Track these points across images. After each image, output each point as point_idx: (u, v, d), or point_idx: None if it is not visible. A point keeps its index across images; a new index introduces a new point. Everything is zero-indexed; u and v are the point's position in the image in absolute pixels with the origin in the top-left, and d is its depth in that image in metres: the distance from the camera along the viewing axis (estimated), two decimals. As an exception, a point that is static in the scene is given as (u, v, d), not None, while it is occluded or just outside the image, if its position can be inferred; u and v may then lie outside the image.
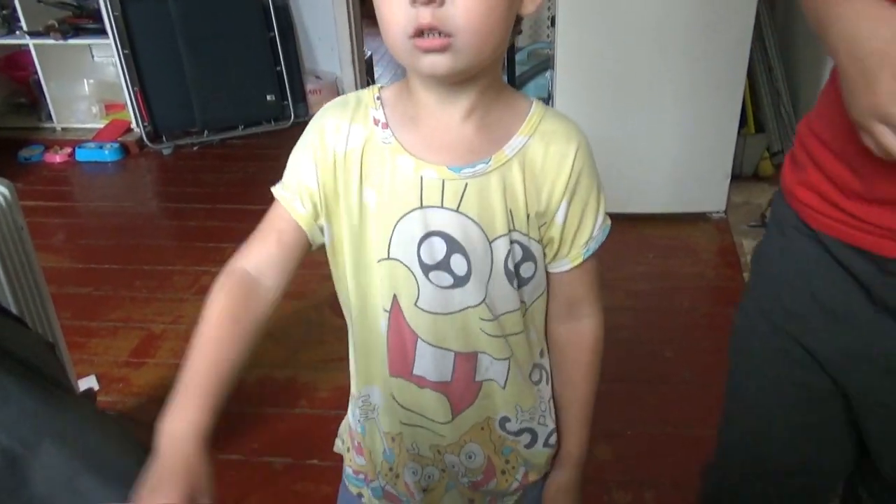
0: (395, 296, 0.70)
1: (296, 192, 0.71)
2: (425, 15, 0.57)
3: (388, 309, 0.71)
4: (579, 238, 0.72)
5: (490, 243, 0.68)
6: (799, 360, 0.79)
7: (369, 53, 4.11)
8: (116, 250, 2.50)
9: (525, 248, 0.71)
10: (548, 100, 2.83)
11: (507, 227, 0.68)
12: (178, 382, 0.63)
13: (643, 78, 2.29)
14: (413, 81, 0.67)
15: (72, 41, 3.32)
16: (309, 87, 3.63)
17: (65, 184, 3.12)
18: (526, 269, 0.72)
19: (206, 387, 0.64)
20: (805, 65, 2.85)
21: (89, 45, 3.53)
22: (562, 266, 0.74)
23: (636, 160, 2.41)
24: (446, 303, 0.69)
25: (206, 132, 3.42)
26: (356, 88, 3.82)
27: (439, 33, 0.58)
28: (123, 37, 3.19)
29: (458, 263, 0.68)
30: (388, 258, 0.69)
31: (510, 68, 2.63)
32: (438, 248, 0.68)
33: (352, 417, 0.82)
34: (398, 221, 0.67)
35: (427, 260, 0.68)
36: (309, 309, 2.05)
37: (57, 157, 3.26)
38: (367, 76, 3.96)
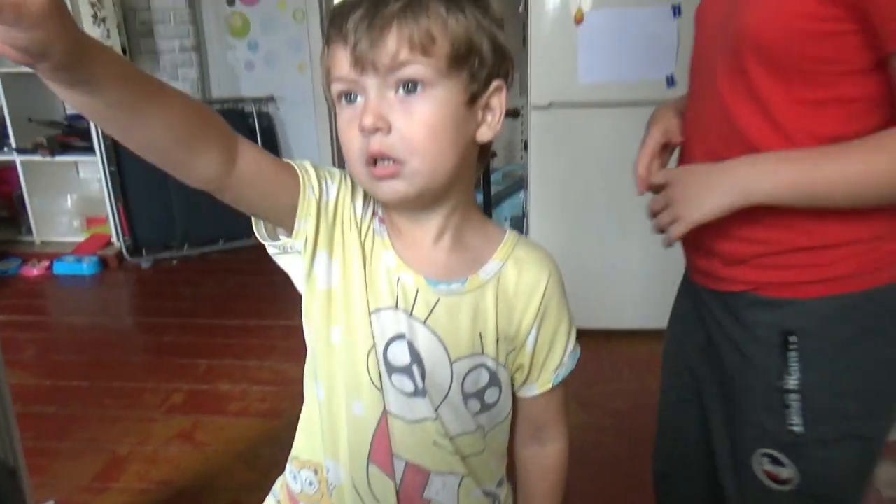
0: (394, 382, 0.69)
1: (316, 176, 0.66)
2: (375, 143, 0.61)
3: (383, 397, 0.68)
4: (549, 364, 0.73)
5: (451, 363, 0.68)
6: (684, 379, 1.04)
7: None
8: (87, 367, 2.44)
9: (492, 374, 0.71)
10: (522, 218, 2.92)
11: (473, 350, 0.69)
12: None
13: (612, 198, 2.38)
14: (387, 209, 0.70)
15: (59, 158, 3.41)
16: (291, 202, 3.72)
17: (39, 297, 3.09)
18: (490, 395, 0.72)
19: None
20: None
21: (76, 162, 3.62)
22: (530, 391, 0.74)
23: (609, 276, 2.46)
24: (409, 410, 0.68)
25: (186, 246, 3.45)
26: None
27: (390, 160, 0.61)
28: (111, 154, 3.28)
29: (418, 375, 0.68)
30: (388, 340, 0.68)
31: (486, 188, 2.73)
32: (403, 353, 0.67)
33: (293, 481, 0.77)
34: (372, 312, 0.67)
35: (392, 361, 0.68)
36: (280, 429, 2.00)
37: (34, 271, 3.25)
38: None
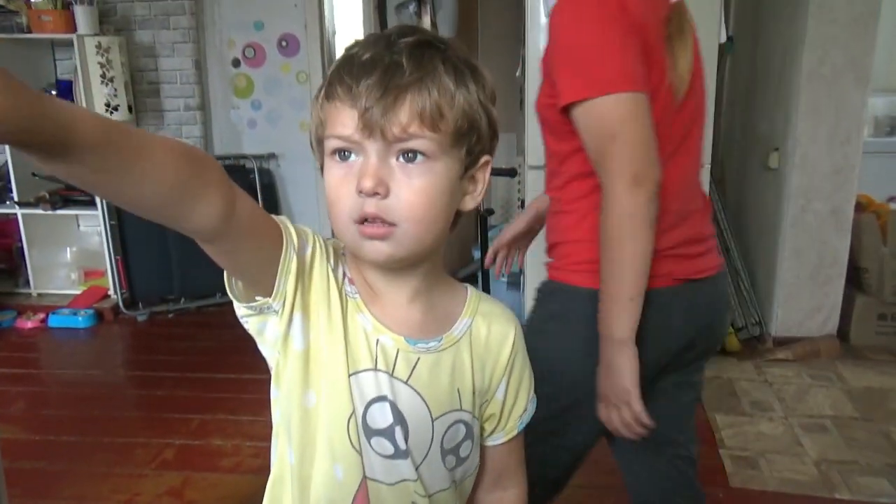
0: (373, 446, 0.68)
1: (295, 234, 0.64)
2: (371, 205, 0.61)
3: (362, 461, 0.67)
4: (515, 412, 0.77)
5: (433, 421, 0.69)
6: None
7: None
8: (77, 421, 2.41)
9: (468, 428, 0.72)
10: (519, 274, 2.95)
11: (452, 406, 0.70)
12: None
13: (609, 256, 2.41)
14: (362, 262, 0.68)
15: (60, 212, 3.44)
16: (289, 257, 3.74)
17: (32, 350, 3.06)
18: (465, 448, 0.73)
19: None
20: (759, 247, 3.04)
21: (77, 216, 3.65)
22: (497, 439, 0.77)
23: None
24: (388, 472, 0.68)
25: (182, 299, 3.45)
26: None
27: (382, 222, 0.62)
28: (112, 208, 3.32)
29: (400, 436, 0.67)
30: (368, 402, 0.67)
31: (483, 244, 2.76)
32: (384, 415, 0.67)
33: None
34: (351, 375, 0.66)
35: (371, 424, 0.67)
36: (275, 486, 1.96)
37: (28, 323, 3.23)
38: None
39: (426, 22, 2.86)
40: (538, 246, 2.43)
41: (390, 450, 0.68)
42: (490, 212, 2.78)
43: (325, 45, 3.74)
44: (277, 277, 0.62)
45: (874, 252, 2.84)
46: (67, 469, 2.09)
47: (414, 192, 0.62)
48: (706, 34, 2.21)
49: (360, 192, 0.61)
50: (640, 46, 0.98)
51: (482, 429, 0.76)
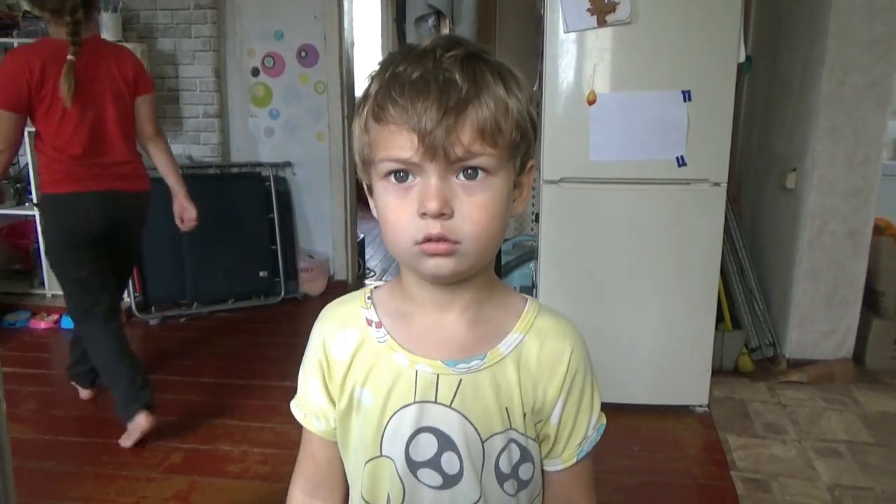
0: (388, 496, 0.69)
1: (311, 411, 0.74)
2: (435, 226, 0.60)
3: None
4: (573, 439, 0.71)
5: (483, 442, 0.67)
6: None
7: (361, 236, 4.30)
8: (87, 422, 2.42)
9: (523, 449, 0.69)
10: (532, 288, 2.93)
11: (504, 426, 0.68)
12: None
13: (622, 273, 2.40)
14: (408, 281, 0.69)
15: (78, 214, 3.47)
16: (302, 265, 3.76)
17: (45, 351, 3.08)
18: (524, 471, 0.70)
19: None
20: (775, 267, 3.02)
21: (94, 218, 3.68)
22: (554, 465, 0.73)
23: (618, 351, 2.45)
24: (442, 501, 0.68)
25: (195, 304, 3.47)
26: (347, 269, 3.96)
27: (447, 241, 0.61)
28: (129, 212, 3.35)
29: (450, 461, 0.67)
30: (381, 456, 0.69)
31: (497, 258, 2.76)
32: (429, 444, 0.67)
33: None
34: (391, 418, 0.67)
35: (416, 457, 0.67)
36: (280, 493, 1.95)
37: (42, 324, 3.26)
38: (358, 258, 4.11)
39: (445, 35, 2.89)
40: (554, 262, 2.43)
41: (438, 480, 0.67)
42: (503, 225, 2.78)
43: (344, 56, 3.77)
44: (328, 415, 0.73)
45: (891, 275, 2.80)
46: (75, 470, 2.10)
47: (478, 208, 0.61)
48: (724, 53, 2.21)
49: (424, 214, 0.60)
50: (30, 87, 2.05)
51: (541, 451, 0.73)
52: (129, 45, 3.34)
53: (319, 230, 3.89)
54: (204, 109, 3.76)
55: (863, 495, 1.98)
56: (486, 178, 0.61)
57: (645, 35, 2.23)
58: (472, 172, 0.61)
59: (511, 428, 0.68)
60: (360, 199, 3.93)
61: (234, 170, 3.76)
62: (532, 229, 3.54)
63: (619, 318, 2.44)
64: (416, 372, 0.67)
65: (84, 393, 2.57)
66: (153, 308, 3.42)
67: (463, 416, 0.66)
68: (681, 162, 2.28)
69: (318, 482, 0.75)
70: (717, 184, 2.30)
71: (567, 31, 2.26)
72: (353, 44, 3.96)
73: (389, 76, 0.61)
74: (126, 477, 2.06)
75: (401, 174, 0.62)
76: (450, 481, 0.67)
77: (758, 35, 3.31)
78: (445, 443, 0.66)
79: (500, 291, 0.72)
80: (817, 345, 2.83)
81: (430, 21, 2.89)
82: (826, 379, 2.72)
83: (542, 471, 0.73)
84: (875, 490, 2.00)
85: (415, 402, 0.67)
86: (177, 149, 3.78)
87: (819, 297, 2.79)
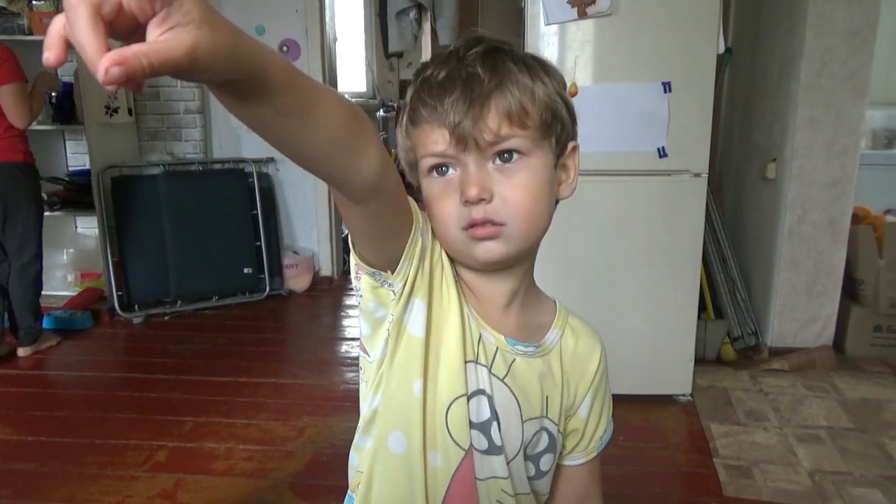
0: (472, 438, 0.67)
1: (420, 214, 0.65)
2: (478, 211, 0.63)
3: (465, 448, 0.67)
4: (597, 432, 0.76)
5: (523, 423, 0.69)
6: None
7: (345, 232, 4.29)
8: (70, 422, 2.40)
9: (552, 438, 0.72)
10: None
11: (541, 413, 0.70)
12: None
13: (605, 264, 2.42)
14: (465, 275, 0.69)
15: (58, 213, 3.44)
16: (286, 261, 3.74)
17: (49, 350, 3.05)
18: (545, 462, 0.72)
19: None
20: (756, 257, 3.05)
21: (74, 217, 3.65)
22: (576, 459, 0.76)
23: (603, 341, 2.46)
24: (480, 467, 0.68)
25: (179, 302, 3.45)
26: (332, 264, 3.95)
27: (492, 223, 0.63)
28: (110, 210, 3.32)
29: (496, 432, 0.68)
30: (468, 394, 0.66)
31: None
32: (484, 409, 0.67)
33: None
34: (468, 362, 0.67)
35: (473, 417, 0.67)
36: (266, 490, 1.95)
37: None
38: (343, 253, 4.10)
39: (426, 29, 2.87)
40: (544, 266, 2.44)
41: (485, 444, 0.68)
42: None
43: (326, 50, 3.76)
44: (403, 257, 0.63)
45: (870, 264, 2.84)
46: (59, 470, 2.08)
47: (516, 189, 0.63)
48: (704, 45, 2.23)
49: (465, 201, 0.63)
50: None
51: (563, 446, 0.75)
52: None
53: (304, 226, 3.88)
54: (185, 106, 3.72)
55: (842, 480, 2.01)
56: (521, 160, 0.64)
57: (625, 27, 2.23)
58: (507, 156, 0.63)
59: (546, 416, 0.71)
60: (344, 195, 3.91)
61: (217, 166, 3.74)
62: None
63: (603, 309, 2.45)
64: (480, 336, 0.68)
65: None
66: (136, 306, 3.39)
67: (512, 392, 0.69)
68: (662, 153, 2.30)
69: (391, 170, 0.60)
70: (697, 174, 2.31)
71: (548, 24, 2.26)
72: (335, 38, 3.94)
73: (420, 81, 0.65)
74: (110, 476, 2.05)
75: (442, 168, 0.65)
76: (493, 450, 0.68)
77: (737, 26, 3.33)
78: (494, 412, 0.67)
79: (535, 289, 0.75)
80: (798, 333, 2.87)
81: (412, 14, 2.88)
82: (807, 366, 2.76)
83: (561, 467, 0.76)
84: (854, 474, 2.04)
85: (476, 363, 0.67)
86: (158, 145, 3.76)
87: (800, 286, 2.82)
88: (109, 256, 3.35)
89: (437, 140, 0.63)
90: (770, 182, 2.89)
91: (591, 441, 0.76)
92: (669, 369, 2.49)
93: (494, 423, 0.67)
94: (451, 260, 0.69)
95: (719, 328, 2.82)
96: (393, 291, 0.64)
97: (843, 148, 2.70)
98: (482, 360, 0.68)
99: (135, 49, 0.36)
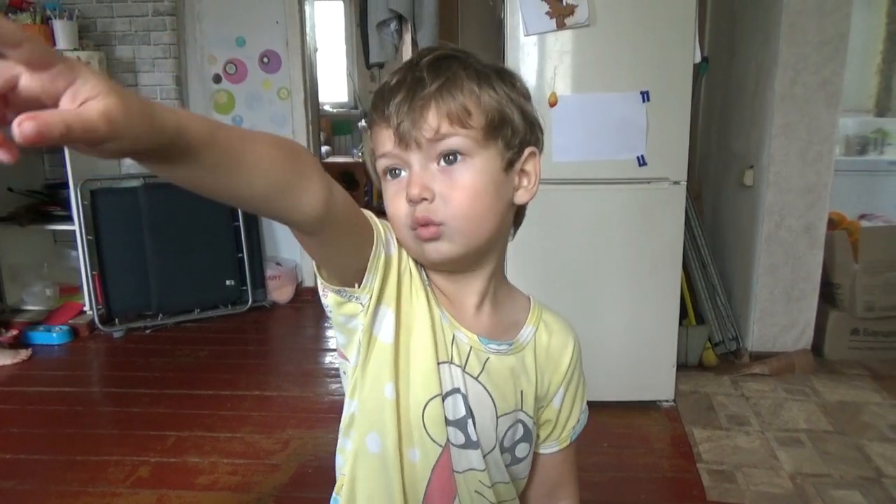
0: (448, 434, 0.70)
1: (383, 229, 0.68)
2: (420, 210, 0.66)
3: (442, 444, 0.70)
4: (569, 423, 0.80)
5: (498, 418, 0.73)
6: None
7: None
8: (49, 439, 2.36)
9: (527, 429, 0.76)
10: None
11: (516, 407, 0.74)
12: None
13: (587, 272, 2.44)
14: (430, 275, 0.72)
15: (36, 226, 3.40)
16: (269, 273, 3.72)
17: (5, 367, 3.00)
18: (521, 450, 0.76)
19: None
20: (735, 263, 3.09)
21: (53, 231, 3.61)
22: (550, 447, 0.81)
23: (585, 349, 2.46)
24: (458, 460, 0.71)
25: (160, 315, 3.41)
26: (315, 277, 3.94)
27: (432, 223, 0.66)
28: (89, 223, 3.29)
29: (471, 427, 0.71)
30: (443, 394, 0.69)
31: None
32: (460, 407, 0.70)
33: None
34: (440, 364, 0.70)
35: (449, 415, 0.70)
36: (251, 503, 1.94)
37: (1, 340, 3.17)
38: (326, 264, 4.09)
39: (406, 40, 2.89)
40: (519, 263, 2.45)
41: (462, 440, 0.71)
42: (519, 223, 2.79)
43: (307, 61, 3.76)
44: (367, 273, 0.65)
45: (846, 268, 2.89)
46: (38, 488, 2.05)
47: (457, 189, 0.66)
48: (681, 54, 2.27)
49: (409, 200, 0.66)
50: None
51: (537, 435, 0.79)
52: (86, 54, 3.29)
53: (286, 237, 3.86)
54: (165, 117, 3.70)
55: (823, 482, 2.04)
56: (465, 161, 0.66)
57: (603, 38, 2.27)
58: (451, 158, 0.66)
59: (521, 410, 0.75)
60: (326, 205, 3.91)
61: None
62: (499, 231, 3.56)
63: (585, 316, 2.47)
64: (454, 337, 0.71)
65: None
66: (117, 320, 3.36)
67: (486, 390, 0.72)
68: (641, 161, 2.33)
69: (344, 197, 0.62)
70: (676, 182, 2.35)
71: (527, 35, 2.29)
72: (315, 49, 3.95)
73: (378, 90, 0.69)
74: (91, 493, 2.02)
75: (395, 171, 0.68)
76: (469, 445, 0.71)
77: (713, 36, 3.39)
78: (469, 410, 0.71)
79: (507, 286, 0.79)
80: (778, 337, 2.91)
81: (393, 25, 2.89)
82: (787, 371, 2.80)
83: (536, 455, 0.80)
84: (834, 476, 2.07)
85: (450, 363, 0.70)
86: (138, 158, 3.73)
87: (778, 291, 2.87)
88: (88, 270, 3.31)
89: (384, 141, 0.67)
90: (748, 189, 2.93)
91: (563, 430, 0.80)
92: (652, 375, 2.51)
93: (470, 420, 0.70)
94: (419, 264, 0.71)
95: (700, 334, 2.85)
96: (361, 304, 0.66)
97: (818, 154, 2.75)
98: (456, 360, 0.70)
99: (51, 111, 0.37)
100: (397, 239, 0.69)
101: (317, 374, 2.92)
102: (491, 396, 0.72)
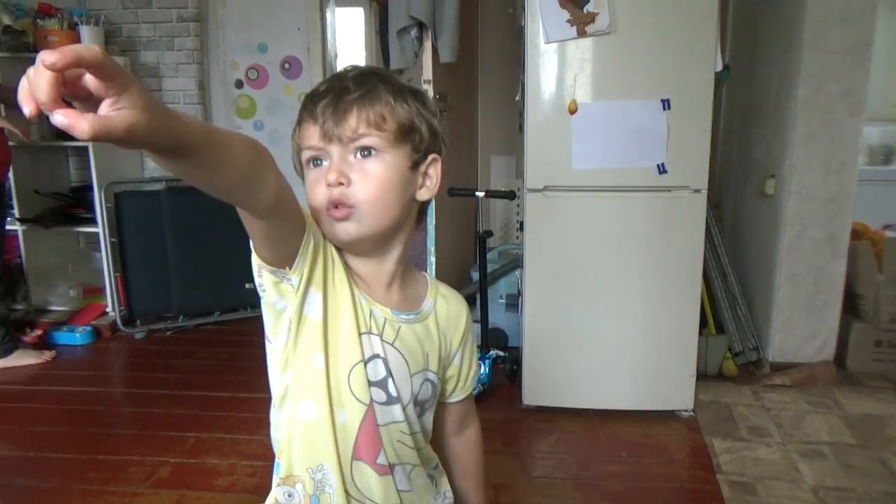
0: (371, 394, 0.83)
1: (310, 216, 0.79)
2: (336, 192, 0.78)
3: (367, 403, 0.83)
4: (470, 375, 0.99)
5: (412, 376, 0.87)
6: None
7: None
8: (72, 438, 2.40)
9: (433, 385, 0.92)
10: (518, 296, 2.95)
11: (425, 366, 0.89)
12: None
13: (606, 280, 2.43)
14: (348, 260, 0.84)
15: (60, 228, 3.45)
16: (287, 277, 3.74)
17: (28, 365, 3.05)
18: (429, 403, 0.92)
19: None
20: (756, 272, 3.06)
21: (77, 233, 3.66)
22: (457, 396, 1.00)
23: (604, 358, 2.47)
24: (382, 415, 0.84)
25: (181, 317, 3.45)
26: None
27: (345, 205, 0.78)
28: (113, 226, 3.34)
29: (391, 387, 0.85)
30: (365, 360, 0.83)
31: (482, 266, 2.77)
32: (381, 369, 0.84)
33: (286, 498, 0.87)
34: (362, 334, 0.83)
35: (371, 377, 0.83)
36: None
37: (26, 339, 3.23)
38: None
39: (427, 47, 2.90)
40: (539, 270, 2.46)
41: (384, 397, 0.84)
42: (489, 233, 2.80)
43: (328, 67, 3.79)
44: (297, 257, 0.75)
45: (870, 279, 2.85)
46: (61, 486, 2.08)
47: (368, 178, 0.78)
48: (702, 62, 2.26)
49: (328, 185, 0.78)
50: None
51: (444, 389, 0.97)
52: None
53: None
54: (188, 122, 3.75)
55: (846, 496, 2.01)
56: (377, 156, 0.79)
57: (624, 45, 2.26)
58: (366, 152, 0.79)
59: (429, 369, 0.90)
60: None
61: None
62: (517, 237, 3.56)
63: (604, 324, 2.46)
64: (371, 311, 0.84)
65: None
66: (138, 321, 3.40)
67: (401, 353, 0.86)
68: (661, 169, 2.32)
69: (287, 189, 0.72)
70: (697, 190, 2.33)
71: (548, 42, 2.29)
72: (336, 55, 3.98)
73: (309, 94, 0.82)
74: (112, 492, 2.04)
75: (317, 161, 0.81)
76: (391, 401, 0.85)
77: (735, 44, 3.37)
78: (388, 371, 0.84)
79: (411, 271, 0.93)
80: (799, 348, 2.87)
81: (413, 32, 2.91)
82: (808, 382, 2.76)
83: (445, 403, 0.99)
84: (858, 491, 2.03)
85: (369, 333, 0.84)
86: (161, 162, 3.78)
87: (800, 302, 2.84)
88: (111, 272, 3.36)
89: (311, 136, 0.79)
90: (769, 198, 2.91)
91: (466, 382, 0.98)
92: (671, 384, 2.49)
93: (390, 380, 0.84)
94: (340, 252, 0.83)
95: (720, 343, 2.83)
96: (291, 285, 0.77)
97: (841, 164, 2.72)
98: (374, 330, 0.84)
99: (84, 114, 0.47)
100: (315, 220, 0.79)
101: (334, 379, 2.93)
102: (405, 359, 0.86)
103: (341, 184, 0.77)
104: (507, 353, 2.84)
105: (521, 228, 2.57)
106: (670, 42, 2.26)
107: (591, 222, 2.41)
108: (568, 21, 2.25)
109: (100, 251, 3.44)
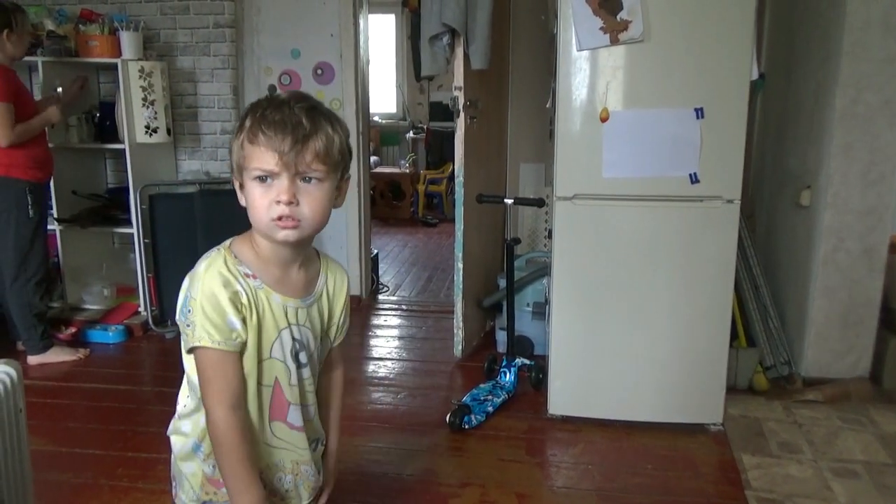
0: (276, 378, 1.10)
1: (229, 337, 1.02)
2: (285, 210, 0.98)
3: (270, 385, 1.10)
4: (343, 326, 1.23)
5: (316, 344, 1.15)
6: None
7: (375, 252, 4.33)
8: (103, 435, 2.44)
9: (325, 343, 1.20)
10: (545, 303, 2.94)
11: (322, 334, 1.17)
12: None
13: (635, 290, 2.40)
14: (263, 245, 1.06)
15: (97, 229, 3.53)
16: (315, 280, 3.78)
17: (63, 363, 3.12)
18: (321, 355, 1.19)
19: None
20: (790, 285, 3.00)
21: (112, 233, 3.74)
22: (335, 343, 1.24)
23: (631, 368, 2.44)
24: (299, 378, 1.13)
25: (210, 319, 3.49)
26: (361, 284, 3.99)
27: (292, 219, 0.99)
28: (147, 227, 3.40)
29: (303, 357, 1.12)
30: (270, 358, 1.08)
31: (509, 274, 2.76)
32: (297, 345, 1.11)
33: (211, 469, 1.13)
34: (279, 334, 1.08)
35: (289, 353, 1.10)
36: None
37: (60, 337, 3.30)
38: (372, 273, 4.13)
39: (458, 54, 2.91)
40: (567, 279, 2.44)
41: (295, 365, 1.11)
42: (517, 241, 2.79)
43: (360, 73, 3.82)
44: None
45: (909, 294, 2.78)
46: (92, 482, 2.12)
47: (313, 200, 1.00)
48: (737, 71, 2.23)
49: (278, 202, 0.98)
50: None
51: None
52: (149, 63, 3.42)
53: (333, 245, 3.92)
54: (221, 126, 3.81)
55: (880, 517, 1.95)
56: (319, 184, 1.00)
57: (657, 53, 2.25)
58: (309, 179, 0.99)
59: (324, 334, 1.18)
60: (374, 216, 3.95)
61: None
62: (545, 245, 3.55)
63: (632, 334, 2.43)
64: (286, 307, 1.08)
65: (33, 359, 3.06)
66: (169, 322, 3.45)
67: (309, 329, 1.12)
68: (694, 179, 2.29)
69: (237, 395, 1.03)
70: (730, 201, 2.30)
71: (580, 50, 2.28)
72: (368, 62, 4.01)
73: (259, 115, 0.97)
74: (141, 489, 2.08)
75: (265, 178, 0.98)
76: (303, 366, 1.13)
77: (771, 52, 3.31)
78: (302, 346, 1.12)
79: (312, 252, 1.15)
80: (833, 363, 2.81)
81: (445, 39, 2.92)
82: (842, 398, 2.70)
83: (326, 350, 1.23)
84: (893, 511, 1.98)
85: (288, 326, 1.09)
86: (194, 164, 3.85)
87: (834, 316, 2.77)
88: (144, 272, 3.42)
89: (268, 160, 0.96)
90: (804, 209, 2.85)
91: (341, 331, 1.22)
92: (700, 397, 2.45)
93: (304, 351, 1.11)
94: (254, 277, 1.05)
95: (751, 356, 2.77)
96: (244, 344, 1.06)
97: (880, 175, 2.66)
98: (292, 321, 1.09)
99: None
100: (251, 219, 1.02)
101: (360, 383, 2.95)
102: (312, 332, 1.13)
103: (291, 203, 0.97)
104: (533, 361, 2.83)
105: (550, 236, 2.55)
106: (705, 50, 2.23)
107: (621, 231, 2.38)
108: (601, 29, 2.24)
109: (133, 251, 3.50)
